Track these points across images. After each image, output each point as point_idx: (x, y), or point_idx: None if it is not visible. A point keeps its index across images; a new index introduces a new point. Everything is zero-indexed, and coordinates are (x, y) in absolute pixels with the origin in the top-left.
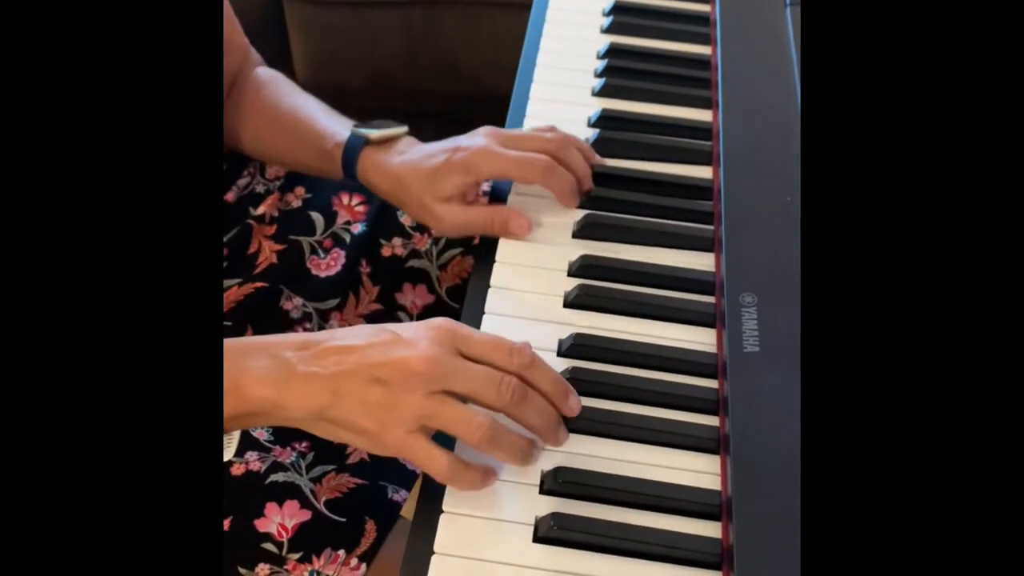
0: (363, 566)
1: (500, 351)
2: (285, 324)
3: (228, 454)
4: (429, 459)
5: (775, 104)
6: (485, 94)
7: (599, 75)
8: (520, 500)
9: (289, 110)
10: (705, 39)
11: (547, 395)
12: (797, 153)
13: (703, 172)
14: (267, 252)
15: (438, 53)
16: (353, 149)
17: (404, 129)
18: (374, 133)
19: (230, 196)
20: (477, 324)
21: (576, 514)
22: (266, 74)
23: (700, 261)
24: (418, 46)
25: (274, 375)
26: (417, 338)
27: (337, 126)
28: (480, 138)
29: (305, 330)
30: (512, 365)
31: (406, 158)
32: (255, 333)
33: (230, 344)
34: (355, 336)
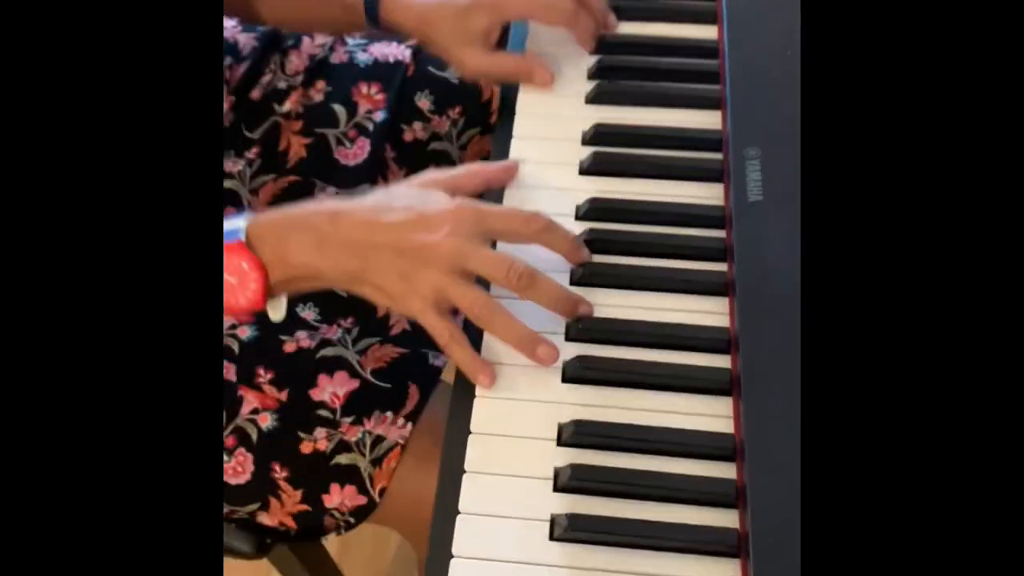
0: (409, 425)
1: (516, 220)
2: None
3: (278, 316)
4: (436, 328)
5: None
6: None
7: None
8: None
9: None
10: None
11: (563, 252)
12: (796, 7)
13: (708, 32)
14: (296, 147)
15: None
16: None
17: None
18: None
19: (256, 94)
20: (500, 199)
21: (600, 355)
22: None
23: (708, 120)
24: None
25: (315, 243)
26: (440, 221)
27: None
28: None
29: None
30: (529, 230)
31: None
32: None
33: (272, 219)
34: (385, 212)
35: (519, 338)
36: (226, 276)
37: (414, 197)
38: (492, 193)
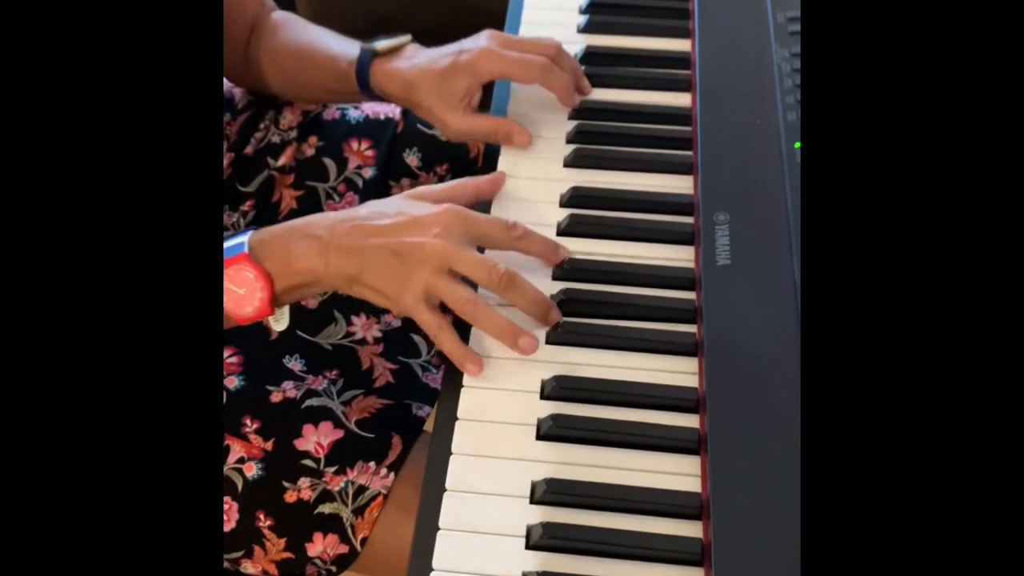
0: (391, 475)
1: (499, 227)
2: None
3: (281, 326)
4: (426, 321)
5: (748, 32)
6: (484, 26)
7: (583, 12)
8: (523, 405)
9: (307, 43)
10: None
11: (540, 254)
12: (768, 78)
13: (682, 99)
14: (288, 199)
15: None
16: (364, 63)
17: (408, 38)
18: (380, 45)
19: (250, 149)
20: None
21: (574, 414)
22: (281, 17)
23: (680, 184)
24: None
25: (315, 250)
26: (430, 224)
27: (348, 47)
28: (483, 40)
29: None
30: (510, 236)
31: (415, 62)
32: None
33: (274, 232)
34: (379, 217)
35: (501, 329)
36: (233, 287)
37: (405, 204)
38: None
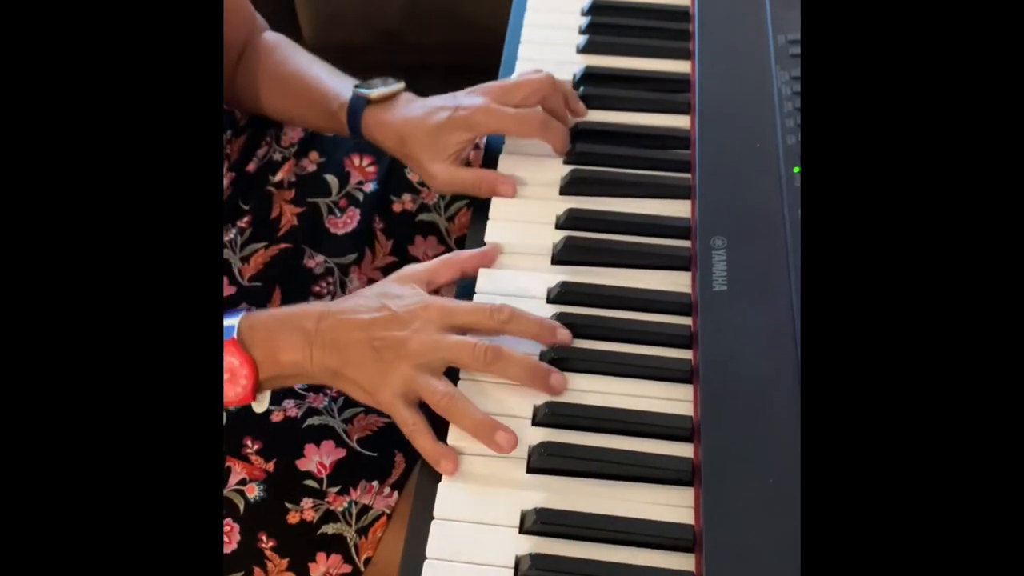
0: (395, 494)
1: (481, 314)
2: (310, 279)
3: (261, 408)
4: (400, 418)
5: (748, 55)
6: (487, 44)
7: (583, 32)
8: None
9: (295, 74)
10: None
11: (535, 337)
12: (768, 101)
13: (681, 122)
14: (288, 215)
15: (441, 5)
16: (356, 110)
17: (401, 85)
18: (374, 93)
19: (251, 167)
20: (472, 278)
21: (564, 441)
22: (272, 39)
23: (677, 208)
24: (420, 1)
25: (300, 343)
26: (410, 318)
27: (340, 86)
28: (478, 97)
29: (328, 284)
30: (494, 323)
31: (408, 114)
32: (283, 291)
33: (264, 319)
34: (362, 311)
35: (476, 425)
36: None
37: (390, 296)
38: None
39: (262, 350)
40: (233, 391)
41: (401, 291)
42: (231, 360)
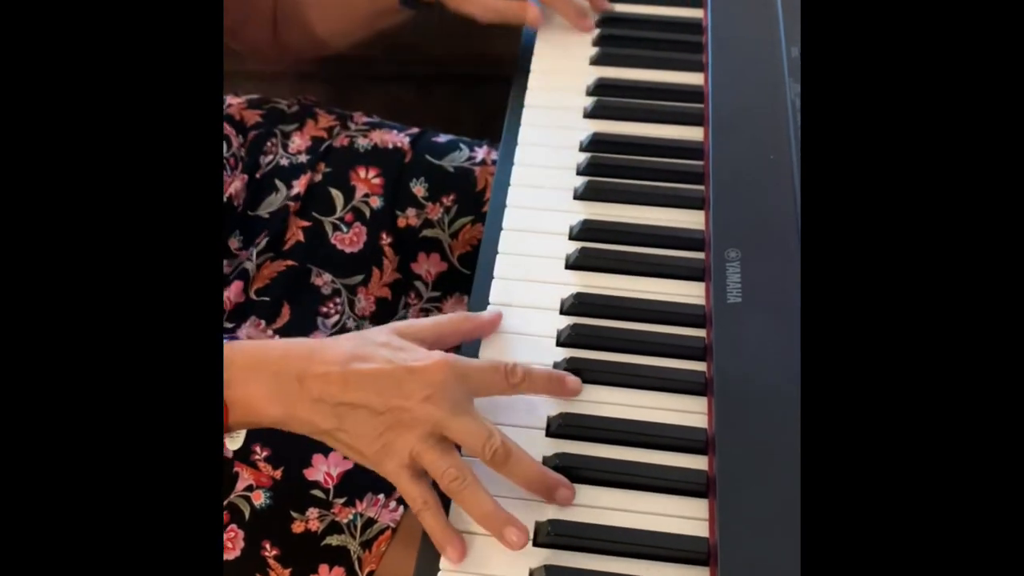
0: (401, 508)
1: (496, 376)
2: (318, 299)
3: (235, 446)
4: (409, 494)
5: (761, 66)
6: (500, 54)
7: (595, 44)
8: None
9: None
10: (697, 2)
11: (547, 393)
12: (782, 112)
13: (695, 133)
14: (294, 229)
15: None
16: None
17: None
18: None
19: (258, 172)
20: (487, 287)
21: (579, 453)
22: None
23: (692, 219)
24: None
25: (282, 396)
26: (419, 381)
27: None
28: None
29: (335, 305)
30: (508, 384)
31: None
32: (292, 309)
33: (241, 360)
34: (360, 362)
35: (486, 515)
36: None
37: (391, 347)
38: (483, 282)
39: (236, 392)
40: None
41: (402, 344)
42: None
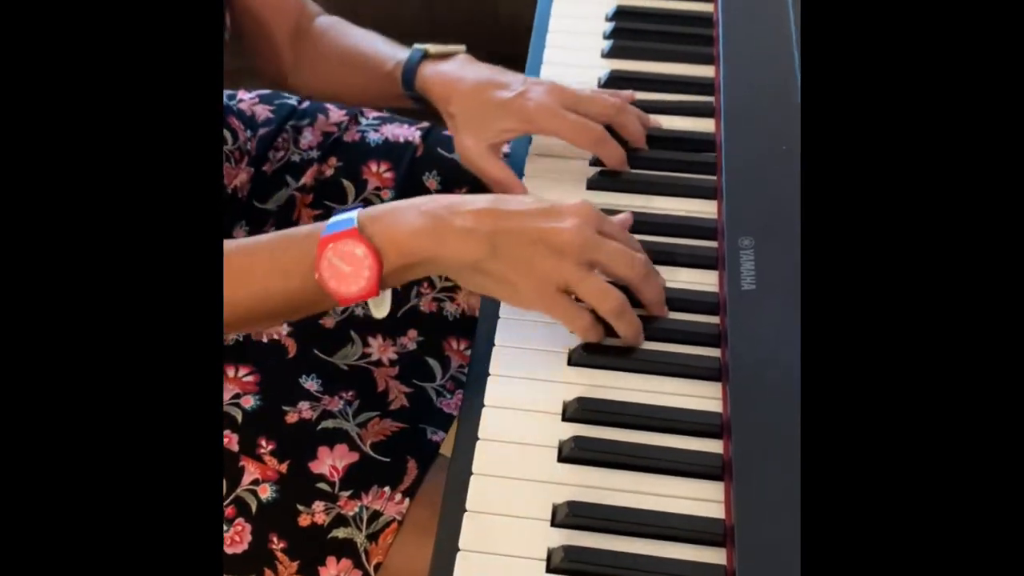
0: (406, 500)
1: (626, 241)
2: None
3: (382, 313)
4: (574, 315)
5: (772, 58)
6: (509, 49)
7: (607, 37)
8: (544, 427)
9: (353, 46)
10: None
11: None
12: (794, 103)
13: (706, 125)
14: (306, 219)
15: (459, 8)
16: (413, 62)
17: (462, 48)
18: (433, 48)
19: (268, 167)
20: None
21: (596, 437)
22: (327, 21)
23: (705, 208)
24: (437, 7)
25: (430, 228)
26: (568, 212)
27: (397, 50)
28: (546, 95)
29: None
30: (634, 271)
31: (465, 74)
32: None
33: (385, 208)
34: (508, 202)
35: (637, 337)
36: (339, 264)
37: (531, 197)
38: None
39: (386, 237)
40: (356, 285)
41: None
42: (354, 251)
